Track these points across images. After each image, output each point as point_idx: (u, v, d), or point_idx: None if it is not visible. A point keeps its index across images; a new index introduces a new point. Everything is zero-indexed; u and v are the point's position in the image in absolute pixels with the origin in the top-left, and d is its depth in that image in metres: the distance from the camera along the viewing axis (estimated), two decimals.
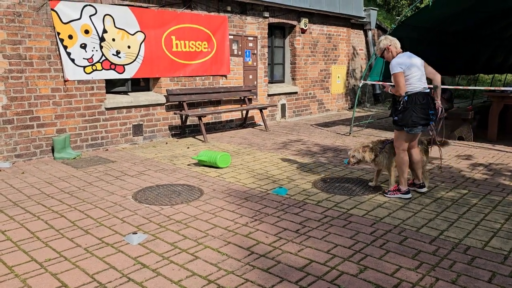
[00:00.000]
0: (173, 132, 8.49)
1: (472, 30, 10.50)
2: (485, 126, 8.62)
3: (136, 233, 3.70)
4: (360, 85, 9.09)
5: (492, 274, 3.02)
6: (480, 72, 14.68)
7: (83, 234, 3.76)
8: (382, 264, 3.16)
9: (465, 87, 8.10)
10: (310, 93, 11.86)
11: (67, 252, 3.40)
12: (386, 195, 4.77)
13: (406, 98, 4.48)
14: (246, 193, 4.90)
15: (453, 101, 11.61)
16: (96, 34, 7.02)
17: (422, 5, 13.35)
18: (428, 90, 4.54)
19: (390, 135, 8.84)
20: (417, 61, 4.56)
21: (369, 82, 9.51)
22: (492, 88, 8.33)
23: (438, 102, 4.61)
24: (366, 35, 14.29)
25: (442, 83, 10.75)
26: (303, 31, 11.18)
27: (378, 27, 14.84)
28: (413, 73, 4.46)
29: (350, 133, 8.92)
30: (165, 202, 4.58)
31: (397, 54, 4.62)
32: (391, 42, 4.66)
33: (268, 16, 10.02)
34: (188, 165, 6.27)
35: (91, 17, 6.93)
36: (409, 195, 4.66)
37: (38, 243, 3.58)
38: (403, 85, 4.45)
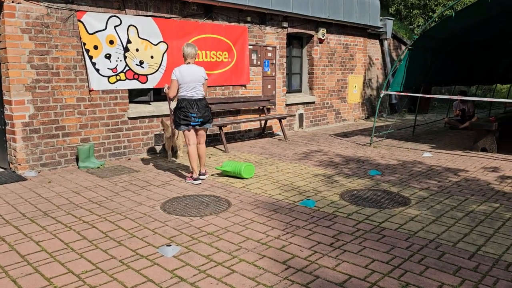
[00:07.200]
0: None
1: (492, 41, 10.42)
2: (507, 137, 8.51)
3: (170, 245, 3.69)
4: (382, 95, 9.04)
5: None
6: (497, 83, 14.56)
7: (116, 246, 3.76)
8: (423, 281, 3.10)
9: (489, 99, 8.00)
10: (327, 103, 11.84)
11: (102, 264, 3.40)
12: (185, 180, 5.87)
13: (176, 103, 5.69)
14: (274, 205, 4.87)
15: (475, 112, 11.46)
16: (121, 45, 7.09)
17: (435, 15, 13.31)
18: (197, 97, 5.61)
19: (410, 145, 8.77)
20: (195, 74, 5.57)
21: (390, 93, 9.44)
22: None
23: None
24: (382, 45, 14.26)
25: (464, 94, 10.73)
26: (320, 41, 11.20)
27: (394, 36, 14.81)
28: (184, 84, 5.55)
29: (370, 144, 8.86)
30: (194, 213, 4.57)
31: (181, 64, 5.68)
32: (183, 52, 5.64)
33: (287, 26, 10.06)
34: (212, 175, 6.26)
35: (116, 28, 7.00)
36: (197, 182, 5.73)
37: (72, 254, 3.59)
38: (172, 91, 5.65)
